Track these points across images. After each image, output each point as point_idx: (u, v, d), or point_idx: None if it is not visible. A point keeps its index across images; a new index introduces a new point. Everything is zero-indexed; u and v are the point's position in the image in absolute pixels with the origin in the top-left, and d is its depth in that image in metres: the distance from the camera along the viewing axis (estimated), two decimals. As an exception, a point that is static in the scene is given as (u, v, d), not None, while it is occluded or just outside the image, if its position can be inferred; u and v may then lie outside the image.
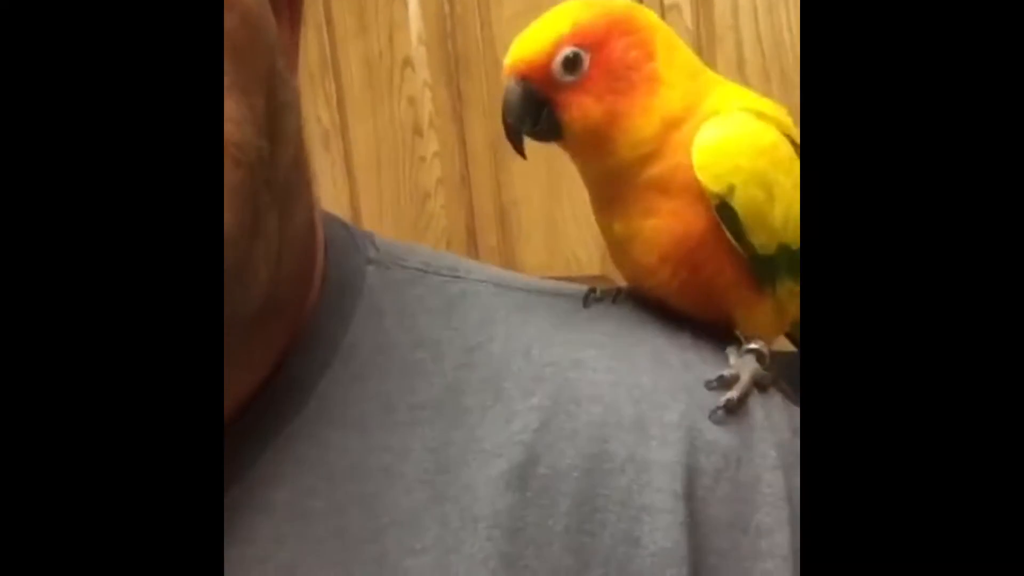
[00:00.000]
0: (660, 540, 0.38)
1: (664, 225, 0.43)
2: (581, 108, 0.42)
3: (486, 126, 1.28)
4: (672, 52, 0.43)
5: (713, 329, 0.45)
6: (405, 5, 1.29)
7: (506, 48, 0.43)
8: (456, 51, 1.27)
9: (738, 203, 0.42)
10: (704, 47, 1.19)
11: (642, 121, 0.42)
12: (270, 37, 0.39)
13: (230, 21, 0.35)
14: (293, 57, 0.43)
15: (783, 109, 0.45)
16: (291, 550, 0.39)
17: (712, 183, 0.42)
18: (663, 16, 1.20)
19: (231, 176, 0.35)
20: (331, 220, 0.47)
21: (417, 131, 1.32)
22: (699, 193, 0.42)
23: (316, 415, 0.41)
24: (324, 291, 0.44)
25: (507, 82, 0.43)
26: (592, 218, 0.47)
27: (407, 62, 1.31)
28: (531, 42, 0.42)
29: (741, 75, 1.17)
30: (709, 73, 0.45)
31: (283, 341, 0.42)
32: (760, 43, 1.15)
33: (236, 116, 0.35)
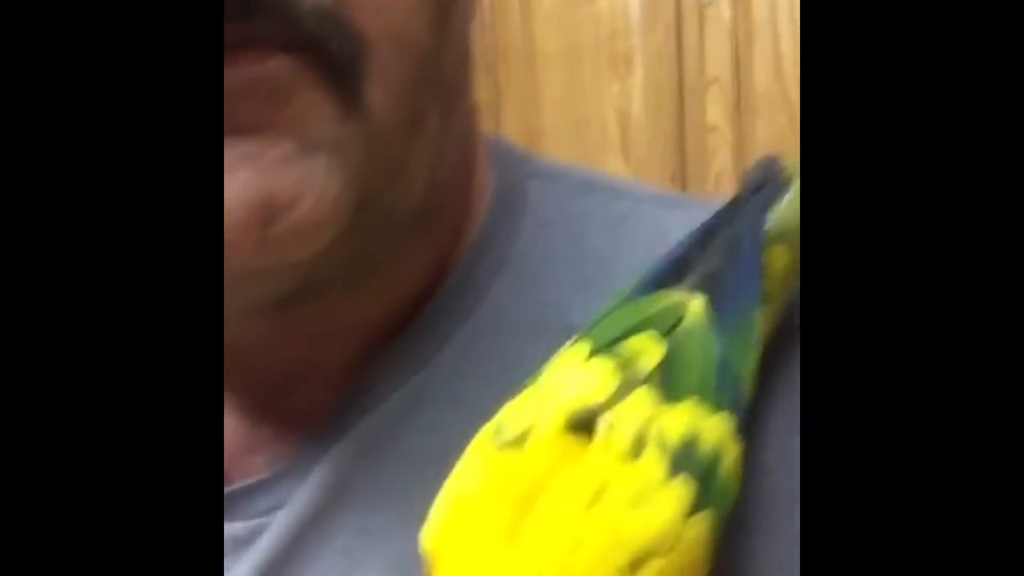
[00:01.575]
0: None
1: None
2: None
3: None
4: None
5: None
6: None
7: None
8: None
9: None
10: (741, 43, 1.20)
11: None
12: None
13: None
14: None
15: None
16: None
17: None
18: (701, 12, 1.21)
19: (396, 69, 0.35)
20: (488, 135, 0.47)
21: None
22: None
23: (491, 317, 0.42)
24: (491, 201, 0.44)
25: None
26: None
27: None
28: None
29: (777, 69, 1.18)
30: None
31: (451, 246, 0.43)
32: (797, 38, 1.17)
33: (404, 7, 0.35)
